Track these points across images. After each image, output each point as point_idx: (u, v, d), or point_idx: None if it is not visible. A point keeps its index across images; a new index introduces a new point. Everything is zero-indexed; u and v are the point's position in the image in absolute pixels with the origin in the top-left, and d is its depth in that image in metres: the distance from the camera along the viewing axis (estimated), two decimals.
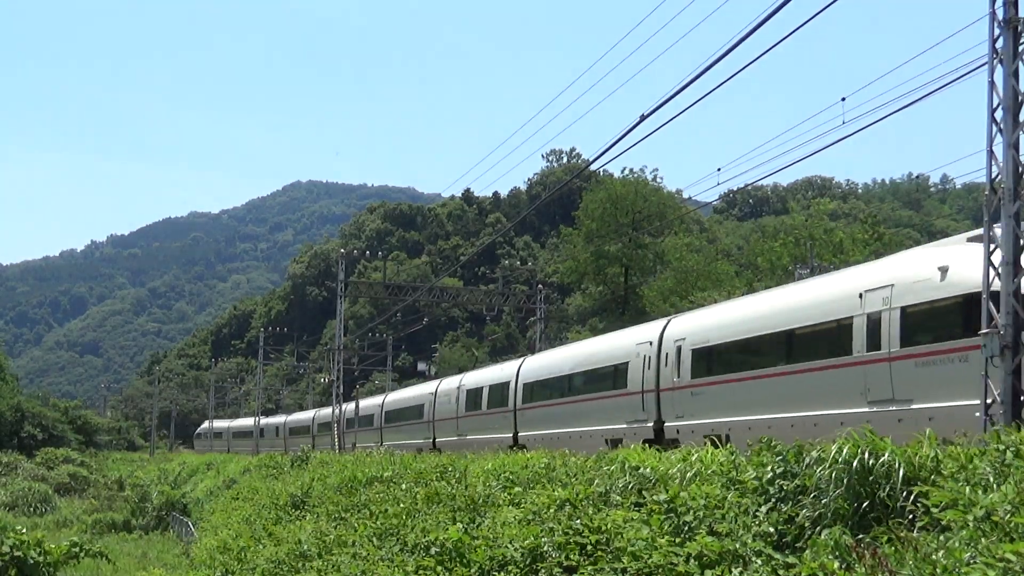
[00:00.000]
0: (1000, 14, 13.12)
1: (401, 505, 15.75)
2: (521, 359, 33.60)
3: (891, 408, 14.67)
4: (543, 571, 9.56)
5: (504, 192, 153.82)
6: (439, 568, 10.82)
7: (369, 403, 53.09)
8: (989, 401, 12.58)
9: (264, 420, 79.88)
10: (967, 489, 6.87)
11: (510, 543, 10.36)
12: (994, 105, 13.17)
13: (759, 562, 7.61)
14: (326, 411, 57.98)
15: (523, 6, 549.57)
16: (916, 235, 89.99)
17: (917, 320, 14.66)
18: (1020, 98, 13.03)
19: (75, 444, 71.76)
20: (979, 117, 13.37)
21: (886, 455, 7.80)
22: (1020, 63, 13.07)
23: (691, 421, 20.10)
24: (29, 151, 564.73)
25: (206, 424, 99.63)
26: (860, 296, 15.76)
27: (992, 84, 13.19)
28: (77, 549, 16.05)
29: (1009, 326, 12.51)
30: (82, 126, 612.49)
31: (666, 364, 21.35)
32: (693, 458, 11.09)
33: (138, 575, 25.93)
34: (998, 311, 12.65)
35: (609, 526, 9.56)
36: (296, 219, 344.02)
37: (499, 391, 32.55)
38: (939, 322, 14.50)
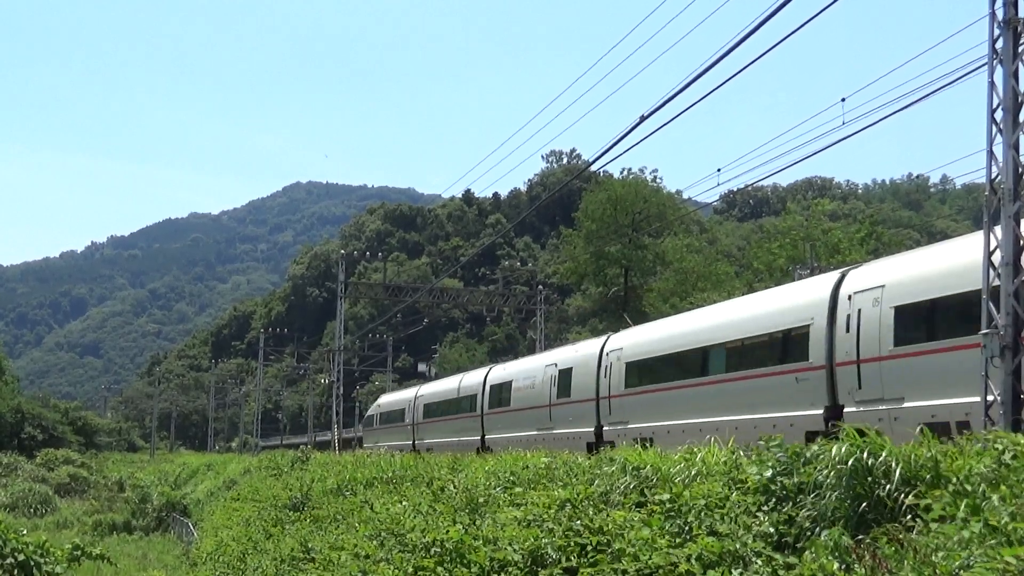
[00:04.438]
0: (1000, 14, 13.10)
1: (404, 503, 15.73)
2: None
3: None
4: (543, 572, 9.55)
5: (504, 193, 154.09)
6: (439, 569, 10.80)
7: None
8: (989, 400, 12.56)
9: (466, 378, 38.24)
10: (967, 488, 6.86)
11: (510, 544, 10.35)
12: (994, 105, 13.15)
13: (759, 562, 7.60)
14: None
15: (523, 6, 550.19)
16: (916, 235, 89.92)
17: None
18: (1020, 98, 13.00)
19: (75, 445, 71.88)
20: (979, 117, 13.37)
21: (884, 455, 7.79)
22: (1020, 63, 13.05)
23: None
24: (29, 151, 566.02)
25: (383, 398, 54.23)
26: None
27: (992, 84, 13.17)
28: (79, 552, 16.01)
29: (1009, 326, 12.48)
30: (82, 126, 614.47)
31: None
32: (697, 458, 11.07)
33: None
34: (998, 311, 12.64)
35: (610, 527, 9.55)
36: (296, 220, 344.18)
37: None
38: None
